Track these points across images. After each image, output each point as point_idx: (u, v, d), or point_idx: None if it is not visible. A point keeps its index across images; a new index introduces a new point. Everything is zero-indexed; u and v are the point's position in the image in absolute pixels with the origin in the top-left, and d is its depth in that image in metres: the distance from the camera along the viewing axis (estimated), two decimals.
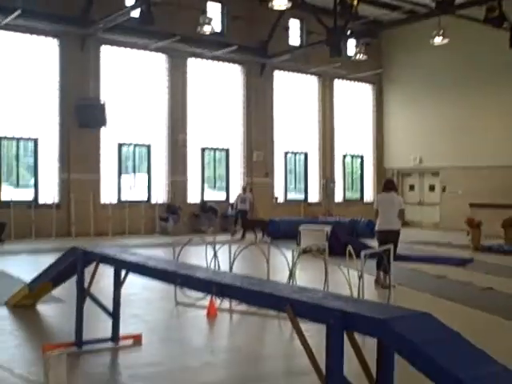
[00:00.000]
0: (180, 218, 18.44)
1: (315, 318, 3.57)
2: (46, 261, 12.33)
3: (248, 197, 18.23)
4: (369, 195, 24.23)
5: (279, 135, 21.35)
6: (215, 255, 8.44)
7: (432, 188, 23.14)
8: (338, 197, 23.05)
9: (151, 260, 5.41)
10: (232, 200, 19.88)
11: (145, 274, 5.25)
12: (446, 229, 21.46)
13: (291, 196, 21.70)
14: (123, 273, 5.89)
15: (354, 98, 23.75)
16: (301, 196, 22.05)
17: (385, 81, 24.31)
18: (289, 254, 8.73)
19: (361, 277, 7.31)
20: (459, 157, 21.58)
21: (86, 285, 5.95)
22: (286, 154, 21.77)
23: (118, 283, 5.93)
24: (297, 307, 3.64)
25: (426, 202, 23.16)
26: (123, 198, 18.11)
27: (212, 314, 7.41)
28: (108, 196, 17.78)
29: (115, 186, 18.08)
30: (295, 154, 22.07)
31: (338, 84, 23.13)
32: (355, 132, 23.67)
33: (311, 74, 22.16)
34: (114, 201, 17.90)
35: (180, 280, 4.64)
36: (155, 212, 18.32)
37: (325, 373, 3.30)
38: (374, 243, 14.01)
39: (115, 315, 5.97)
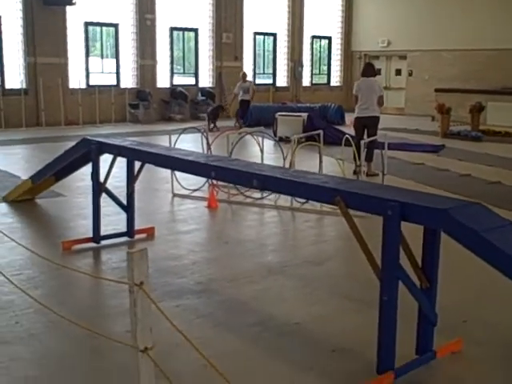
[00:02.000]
0: (150, 104, 18.17)
1: (370, 209, 3.58)
2: (19, 152, 12.34)
3: (249, 85, 17.30)
4: (336, 79, 24.22)
5: (248, 16, 20.67)
6: (208, 145, 8.54)
7: (398, 72, 23.20)
8: (306, 81, 22.94)
9: (175, 152, 5.39)
10: (203, 84, 19.63)
11: (171, 167, 5.19)
12: (411, 114, 21.86)
13: (260, 81, 21.47)
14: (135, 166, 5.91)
15: None
16: (269, 80, 21.84)
17: None
18: (266, 143, 8.81)
19: (359, 165, 7.58)
20: (427, 40, 21.53)
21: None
22: (256, 35, 21.23)
23: (132, 177, 5.96)
24: (349, 199, 3.61)
25: (392, 87, 23.30)
26: (92, 83, 17.62)
27: (213, 205, 7.61)
28: (76, 81, 17.26)
29: (83, 70, 17.52)
30: (264, 35, 21.54)
31: None
32: (324, 13, 23.12)
33: None
34: (83, 85, 17.42)
35: (214, 173, 4.58)
36: (125, 99, 17.95)
37: (380, 265, 3.43)
38: (346, 130, 14.31)
39: (129, 210, 6.08)
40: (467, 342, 3.87)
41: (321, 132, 8.29)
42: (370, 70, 10.31)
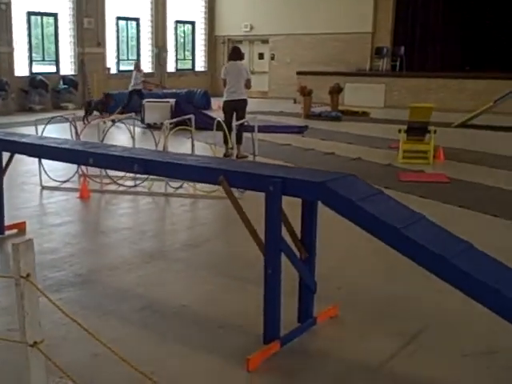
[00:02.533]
0: (8, 94, 17.24)
1: (252, 186, 3.71)
2: None
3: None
4: (200, 64, 24.29)
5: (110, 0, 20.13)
6: (77, 134, 8.33)
7: (261, 56, 23.72)
8: (170, 67, 22.80)
9: (47, 140, 5.21)
10: (64, 72, 18.89)
11: (46, 156, 5.02)
12: (275, 97, 22.47)
13: (124, 67, 21.03)
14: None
15: None
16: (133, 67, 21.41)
17: None
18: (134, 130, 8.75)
19: (232, 148, 7.75)
20: (288, 25, 22.17)
21: None
22: (118, 20, 20.72)
23: (0, 169, 5.70)
24: (232, 178, 3.71)
25: (256, 71, 23.75)
26: None
27: (85, 196, 7.46)
28: None
29: None
30: (127, 20, 21.08)
31: None
32: None
33: None
34: None
35: (93, 159, 4.46)
36: None
37: (264, 240, 3.58)
38: (214, 114, 14.48)
39: None
40: (343, 307, 4.17)
41: (192, 116, 8.37)
42: (236, 54, 10.49)
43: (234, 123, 8.09)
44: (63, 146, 4.75)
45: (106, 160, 4.45)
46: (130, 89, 16.89)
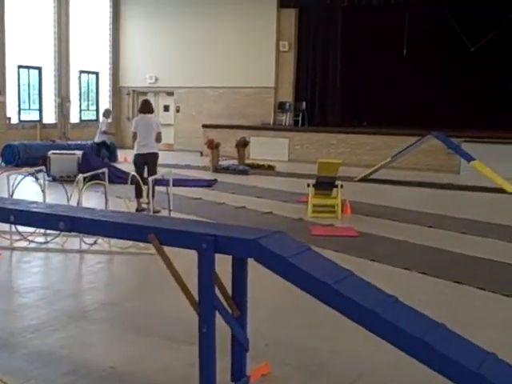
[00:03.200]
0: None
1: (185, 244, 3.67)
2: None
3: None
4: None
5: (11, 47, 19.58)
6: None
7: (167, 108, 23.88)
8: (74, 117, 22.46)
9: None
10: None
11: None
12: (180, 150, 22.59)
13: (25, 117, 20.50)
14: None
15: (92, 9, 22.82)
16: (36, 116, 20.95)
17: None
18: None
19: (148, 202, 7.72)
20: (192, 78, 22.54)
21: None
22: (19, 68, 20.21)
23: None
24: (163, 235, 3.69)
25: (162, 123, 23.74)
26: None
27: None
28: None
29: None
30: (29, 68, 20.63)
31: None
32: (92, 47, 22.90)
33: None
34: None
35: (14, 217, 4.25)
36: None
37: (197, 299, 3.59)
38: (122, 166, 14.39)
39: None
40: (273, 364, 4.24)
41: (106, 170, 8.33)
42: (146, 107, 10.56)
43: (150, 178, 8.09)
44: None
45: (28, 217, 4.31)
46: (98, 140, 16.43)
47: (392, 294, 3.62)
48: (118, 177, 11.60)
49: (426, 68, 20.17)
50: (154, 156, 10.23)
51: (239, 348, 3.95)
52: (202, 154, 20.12)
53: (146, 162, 10.07)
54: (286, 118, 21.69)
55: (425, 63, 20.13)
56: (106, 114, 17.26)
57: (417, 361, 3.22)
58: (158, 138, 10.25)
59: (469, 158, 14.26)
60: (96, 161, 14.13)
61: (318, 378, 4.14)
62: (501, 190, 13.29)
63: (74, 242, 7.61)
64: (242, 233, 3.77)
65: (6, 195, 7.54)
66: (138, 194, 9.77)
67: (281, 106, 21.87)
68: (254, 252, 3.52)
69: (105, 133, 16.72)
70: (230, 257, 3.79)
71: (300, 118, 21.34)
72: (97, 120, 23.67)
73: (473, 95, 19.33)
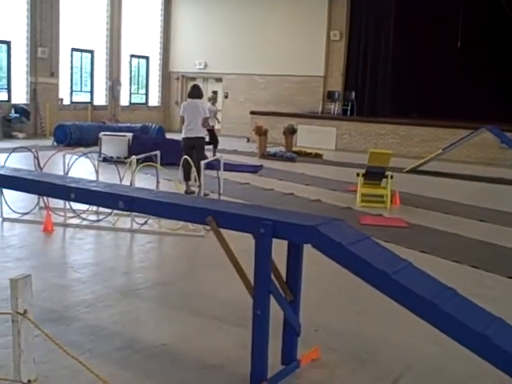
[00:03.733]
0: None
1: (243, 228, 3.68)
2: None
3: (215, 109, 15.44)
4: (154, 99, 24.32)
5: (66, 30, 19.99)
6: (40, 166, 8.21)
7: (215, 94, 23.94)
8: (124, 100, 22.76)
9: (26, 173, 5.11)
10: (16, 100, 18.57)
11: (25, 189, 4.93)
12: (227, 135, 22.64)
13: (77, 98, 20.88)
14: None
15: None
16: (87, 98, 21.32)
17: None
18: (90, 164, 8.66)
19: (200, 186, 7.80)
20: (242, 65, 22.56)
21: None
22: (73, 51, 20.60)
23: None
24: (221, 219, 3.71)
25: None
26: None
27: (49, 229, 7.32)
28: None
29: None
30: (82, 51, 21.00)
31: None
32: (143, 32, 23.15)
33: None
34: None
35: (74, 195, 4.38)
36: None
37: (253, 282, 3.61)
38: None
39: None
40: (323, 350, 4.23)
41: (158, 153, 8.42)
42: (195, 92, 10.61)
43: (202, 162, 8.13)
44: (43, 180, 4.69)
45: (88, 196, 4.41)
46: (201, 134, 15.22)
47: (451, 287, 3.56)
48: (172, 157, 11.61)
49: (480, 61, 19.71)
50: (200, 140, 10.28)
51: (291, 332, 3.96)
52: (248, 139, 20.15)
53: (193, 145, 10.13)
54: (335, 107, 21.51)
55: (479, 56, 19.67)
56: (212, 99, 16.03)
57: (475, 354, 3.17)
58: (204, 123, 10.29)
59: None
60: (146, 142, 14.26)
61: (367, 366, 4.12)
62: None
63: (125, 221, 7.73)
64: (300, 219, 3.75)
65: (61, 174, 7.70)
66: (187, 177, 9.86)
67: (330, 95, 21.70)
68: (313, 238, 3.50)
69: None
70: (285, 241, 3.78)
71: (349, 108, 21.14)
72: (146, 104, 23.94)
73: None
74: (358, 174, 10.24)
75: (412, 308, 3.30)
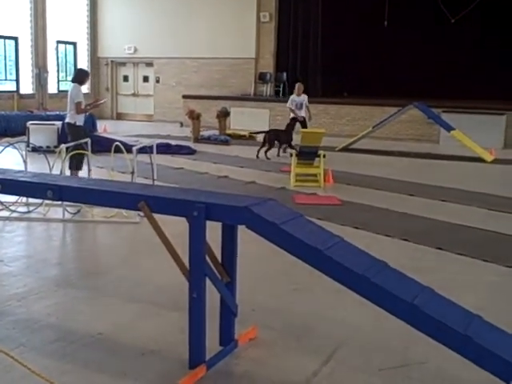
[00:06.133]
0: None
1: (176, 212, 3.66)
2: None
3: (303, 100, 13.88)
4: (84, 86, 23.68)
5: None
6: None
7: (146, 79, 23.59)
8: (52, 88, 22.10)
9: None
10: None
11: None
12: (160, 120, 22.43)
13: (2, 87, 20.11)
14: None
15: None
16: (12, 87, 20.57)
17: None
18: (16, 154, 8.41)
19: (132, 172, 7.67)
20: (172, 48, 22.26)
21: None
22: None
23: None
24: (153, 203, 3.68)
25: (141, 94, 23.63)
26: None
27: None
28: None
29: None
30: (5, 38, 20.17)
31: None
32: (69, 17, 22.44)
33: None
34: None
35: (1, 186, 4.17)
36: None
37: (188, 266, 3.61)
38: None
39: None
40: (260, 329, 4.28)
41: (88, 140, 8.26)
42: (75, 76, 10.11)
43: (134, 148, 7.98)
44: None
45: (16, 186, 4.27)
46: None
47: (381, 260, 3.66)
48: (101, 145, 11.39)
49: (406, 39, 20.13)
50: (67, 126, 9.48)
51: (228, 313, 3.98)
52: (182, 124, 19.99)
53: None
54: (267, 89, 21.56)
55: (405, 34, 20.08)
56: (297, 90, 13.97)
57: (407, 324, 3.27)
58: (77, 108, 9.32)
59: (448, 128, 14.37)
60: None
61: (303, 342, 4.19)
62: (480, 160, 13.43)
63: (56, 211, 7.57)
64: (232, 200, 3.76)
65: None
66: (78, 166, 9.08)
67: (261, 77, 21.71)
68: (246, 219, 3.52)
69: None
70: (218, 224, 3.78)
71: (281, 89, 21.21)
72: None
73: (452, 66, 19.40)
74: (291, 155, 10.33)
75: (345, 282, 3.38)
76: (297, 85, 13.96)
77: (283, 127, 13.68)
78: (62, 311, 4.64)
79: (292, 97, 13.94)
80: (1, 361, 3.52)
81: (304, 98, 13.84)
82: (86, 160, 8.58)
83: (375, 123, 15.54)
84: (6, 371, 3.58)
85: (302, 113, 13.73)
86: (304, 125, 13.44)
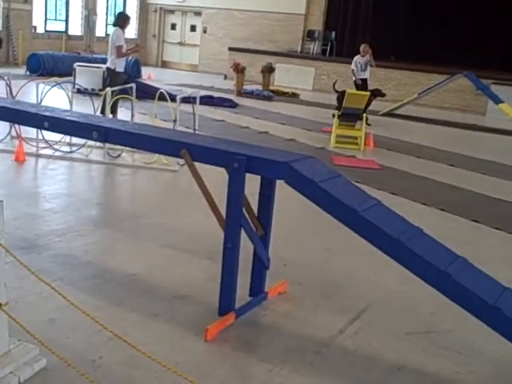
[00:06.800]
0: None
1: (217, 162, 3.69)
2: None
3: (368, 61, 13.53)
4: (131, 31, 23.69)
5: None
6: (12, 95, 8.07)
7: (193, 28, 23.47)
8: (100, 31, 22.17)
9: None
10: None
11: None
12: (204, 71, 22.37)
13: (51, 27, 20.28)
14: None
15: None
16: (61, 28, 20.72)
17: None
18: (64, 94, 8.49)
19: (175, 120, 7.74)
20: None
21: None
22: None
23: None
24: (195, 152, 3.70)
25: (187, 43, 23.54)
26: None
27: (21, 159, 7.25)
28: None
29: None
30: None
31: None
32: None
33: None
34: None
35: (48, 123, 4.29)
36: None
37: (225, 216, 3.66)
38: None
39: None
40: (290, 284, 4.35)
41: (133, 85, 8.31)
42: (116, 20, 10.01)
43: (178, 96, 8.00)
44: (16, 107, 4.62)
45: (62, 125, 4.35)
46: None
47: (417, 226, 3.66)
48: (145, 92, 11.47)
49: (461, 8, 19.53)
50: (108, 71, 9.67)
51: (260, 265, 4.05)
52: (226, 77, 19.92)
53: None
54: (314, 47, 21.24)
55: (460, 3, 19.49)
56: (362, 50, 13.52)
57: (438, 291, 3.28)
58: (117, 52, 9.48)
59: (497, 100, 14.00)
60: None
61: (332, 300, 4.25)
62: None
63: (98, 153, 7.70)
64: (273, 155, 3.77)
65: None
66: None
67: (310, 34, 21.39)
68: (286, 175, 3.54)
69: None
70: (258, 177, 3.81)
71: (328, 48, 20.90)
72: None
73: (506, 37, 18.81)
74: (333, 115, 10.26)
75: (378, 245, 3.39)
76: (362, 46, 13.70)
77: (328, 87, 13.43)
78: (100, 250, 4.78)
79: (356, 58, 13.54)
80: (40, 291, 3.67)
81: (368, 58, 13.51)
82: (118, 105, 8.59)
83: (421, 90, 15.24)
84: (43, 302, 3.73)
85: (367, 74, 13.43)
86: (364, 87, 13.05)
